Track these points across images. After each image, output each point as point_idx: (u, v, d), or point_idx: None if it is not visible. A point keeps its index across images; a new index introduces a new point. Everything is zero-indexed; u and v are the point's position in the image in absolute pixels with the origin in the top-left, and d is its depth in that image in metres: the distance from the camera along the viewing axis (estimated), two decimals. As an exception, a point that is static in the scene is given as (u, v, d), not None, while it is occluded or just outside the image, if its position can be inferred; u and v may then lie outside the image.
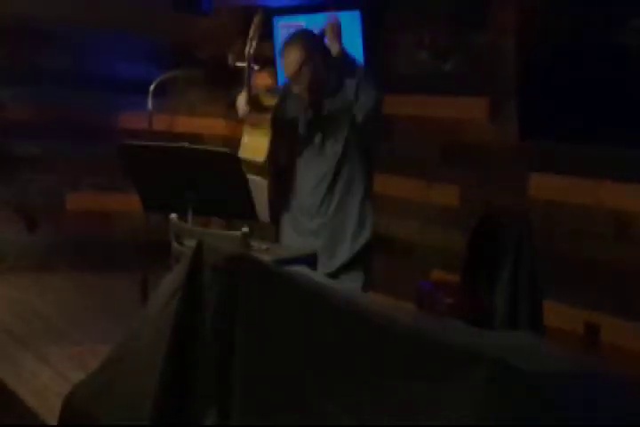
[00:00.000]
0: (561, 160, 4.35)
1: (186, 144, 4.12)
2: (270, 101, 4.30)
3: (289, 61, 3.99)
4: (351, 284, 3.88)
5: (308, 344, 2.41)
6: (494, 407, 1.94)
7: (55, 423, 3.12)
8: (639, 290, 3.99)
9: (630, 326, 4.03)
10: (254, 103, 4.21)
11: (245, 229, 3.80)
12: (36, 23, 6.16)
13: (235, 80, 6.67)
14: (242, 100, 4.21)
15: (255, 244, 4.17)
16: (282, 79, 6.12)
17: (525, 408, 1.94)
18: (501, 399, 1.94)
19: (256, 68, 6.40)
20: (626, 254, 4.08)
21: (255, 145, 4.32)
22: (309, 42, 4.02)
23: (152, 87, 5.59)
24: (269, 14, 6.05)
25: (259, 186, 4.32)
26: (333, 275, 3.90)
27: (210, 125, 6.78)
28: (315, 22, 5.69)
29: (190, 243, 3.50)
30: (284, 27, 5.98)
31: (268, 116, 4.29)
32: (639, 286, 3.99)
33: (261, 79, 6.46)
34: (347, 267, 3.94)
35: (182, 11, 5.95)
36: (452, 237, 4.85)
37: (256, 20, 4.30)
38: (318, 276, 3.56)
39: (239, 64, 6.38)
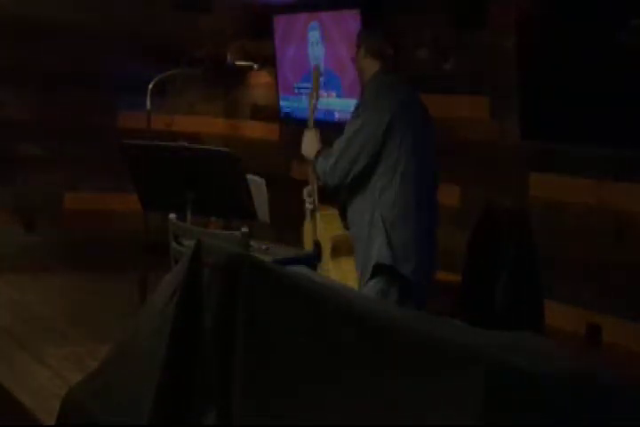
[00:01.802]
0: (561, 160, 4.34)
1: (185, 143, 4.11)
2: None
3: None
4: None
5: (308, 344, 2.40)
6: (494, 407, 1.93)
7: (53, 424, 3.10)
8: (640, 290, 3.99)
9: (632, 327, 4.02)
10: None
11: (245, 229, 3.80)
12: (36, 23, 6.16)
13: (234, 79, 6.68)
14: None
15: (255, 244, 4.16)
16: (281, 78, 6.13)
17: (525, 408, 1.93)
18: (501, 399, 1.94)
19: (255, 66, 6.42)
20: (626, 254, 4.08)
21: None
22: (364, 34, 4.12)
23: (151, 86, 5.59)
24: (269, 12, 6.05)
25: (259, 186, 4.31)
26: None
27: (208, 124, 6.78)
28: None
29: (189, 243, 3.49)
30: (283, 25, 5.98)
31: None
32: (640, 285, 3.99)
33: (261, 78, 6.46)
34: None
35: (181, 8, 5.96)
36: (452, 237, 4.84)
37: (314, 75, 4.23)
38: (318, 276, 3.56)
39: (238, 63, 6.39)
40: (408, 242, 3.74)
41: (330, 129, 5.80)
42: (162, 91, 6.00)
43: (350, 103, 5.49)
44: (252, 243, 4.05)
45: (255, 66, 6.32)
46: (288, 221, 6.00)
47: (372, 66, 4.01)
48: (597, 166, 4.14)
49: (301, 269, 3.22)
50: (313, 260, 4.02)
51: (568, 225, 4.34)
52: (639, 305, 3.98)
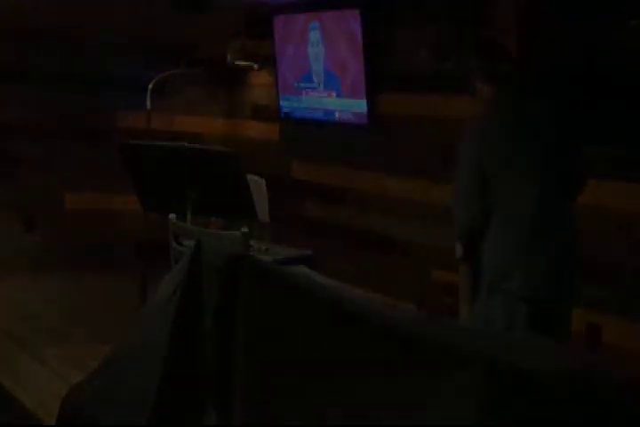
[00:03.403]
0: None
1: (185, 143, 4.11)
2: None
3: None
4: None
5: (308, 344, 2.41)
6: (494, 407, 1.93)
7: (53, 424, 3.11)
8: (640, 290, 3.99)
9: (632, 327, 4.02)
10: None
11: (245, 229, 3.80)
12: (37, 23, 6.16)
13: (234, 79, 6.68)
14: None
15: (255, 244, 4.16)
16: (281, 78, 6.13)
17: (525, 408, 1.93)
18: (501, 399, 1.94)
19: (255, 67, 6.42)
20: (626, 254, 4.08)
21: None
22: None
23: (151, 86, 5.59)
24: (268, 12, 6.05)
25: (259, 186, 4.32)
26: None
27: (209, 124, 6.78)
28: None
29: (189, 243, 3.49)
30: (283, 25, 5.98)
31: None
32: (640, 285, 3.99)
33: (261, 78, 6.46)
34: None
35: (181, 10, 5.96)
36: (452, 237, 4.84)
37: None
38: (318, 276, 3.56)
39: (238, 63, 6.39)
40: (499, 259, 3.47)
41: (330, 129, 5.82)
42: (162, 90, 6.00)
43: (350, 103, 5.50)
44: (252, 243, 4.05)
45: (255, 66, 6.31)
46: (288, 221, 6.00)
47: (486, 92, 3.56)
48: (597, 166, 4.14)
49: (301, 270, 3.22)
50: (312, 260, 4.02)
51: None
52: (639, 305, 3.98)
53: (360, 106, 5.41)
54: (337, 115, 5.65)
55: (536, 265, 3.43)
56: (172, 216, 3.99)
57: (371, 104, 5.35)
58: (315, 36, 5.70)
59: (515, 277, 3.39)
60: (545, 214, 3.49)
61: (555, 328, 3.41)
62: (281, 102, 6.13)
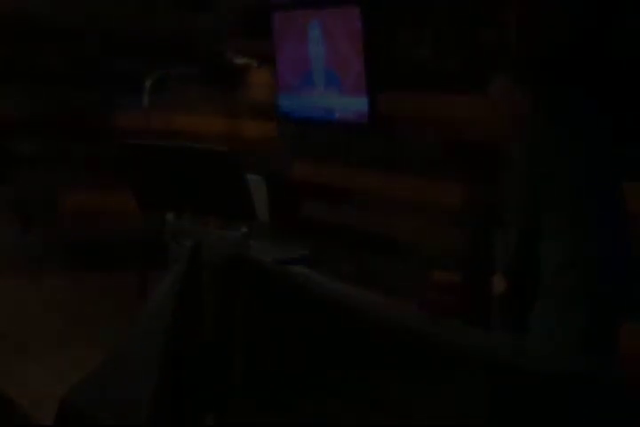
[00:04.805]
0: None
1: (184, 143, 4.10)
2: None
3: None
4: None
5: (308, 344, 2.40)
6: (494, 408, 1.93)
7: (51, 425, 3.10)
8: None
9: (633, 327, 4.01)
10: None
11: (245, 229, 3.79)
12: (36, 22, 6.16)
13: (233, 78, 6.68)
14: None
15: (255, 244, 4.15)
16: (281, 77, 6.12)
17: (526, 408, 1.93)
18: (501, 400, 1.93)
19: (255, 64, 6.41)
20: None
21: None
22: None
23: (150, 85, 5.58)
24: (268, 10, 6.05)
25: (258, 185, 4.31)
26: None
27: (208, 123, 6.77)
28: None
29: (188, 243, 3.49)
30: (283, 22, 5.97)
31: None
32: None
33: (261, 77, 6.46)
34: None
35: (181, 8, 5.97)
36: (452, 237, 4.84)
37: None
38: (317, 276, 3.55)
39: (238, 61, 6.38)
40: None
41: (330, 128, 5.82)
42: (161, 90, 5.99)
43: (350, 102, 5.49)
44: (251, 243, 4.04)
45: (255, 63, 6.31)
46: (288, 221, 6.00)
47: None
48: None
49: (301, 270, 3.22)
50: (312, 260, 4.01)
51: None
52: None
53: (360, 105, 5.40)
54: (337, 113, 5.64)
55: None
56: (170, 216, 3.98)
57: (371, 103, 5.34)
58: (315, 34, 5.69)
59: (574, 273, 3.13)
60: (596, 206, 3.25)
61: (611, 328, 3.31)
62: (281, 101, 6.12)
